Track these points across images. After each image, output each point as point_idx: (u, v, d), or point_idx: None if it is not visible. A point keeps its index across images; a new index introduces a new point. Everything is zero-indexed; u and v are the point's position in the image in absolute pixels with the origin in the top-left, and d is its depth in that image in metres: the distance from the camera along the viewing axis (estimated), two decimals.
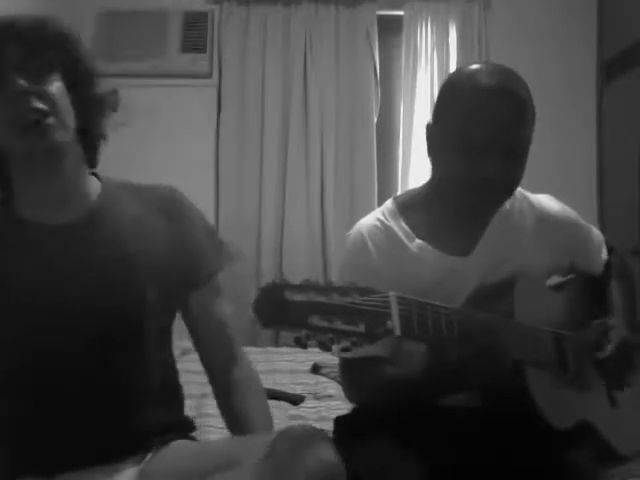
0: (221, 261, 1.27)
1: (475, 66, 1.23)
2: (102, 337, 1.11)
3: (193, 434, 1.28)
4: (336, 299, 0.82)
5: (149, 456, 1.14)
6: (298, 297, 0.80)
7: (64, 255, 1.12)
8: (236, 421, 1.23)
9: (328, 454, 0.96)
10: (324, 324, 0.81)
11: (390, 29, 4.05)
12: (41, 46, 1.08)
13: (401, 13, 3.98)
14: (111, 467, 1.11)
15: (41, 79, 1.07)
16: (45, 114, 1.05)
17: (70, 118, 1.11)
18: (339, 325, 0.82)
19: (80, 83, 1.13)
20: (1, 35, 1.07)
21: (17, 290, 1.10)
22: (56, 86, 1.09)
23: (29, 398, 1.11)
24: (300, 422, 1.96)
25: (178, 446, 1.17)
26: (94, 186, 1.20)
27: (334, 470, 0.96)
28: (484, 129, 1.16)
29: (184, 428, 1.26)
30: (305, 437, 0.98)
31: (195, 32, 3.90)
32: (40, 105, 1.05)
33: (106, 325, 1.11)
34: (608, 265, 1.43)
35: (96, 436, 1.10)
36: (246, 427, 1.20)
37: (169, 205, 1.23)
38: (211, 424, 1.82)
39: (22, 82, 1.05)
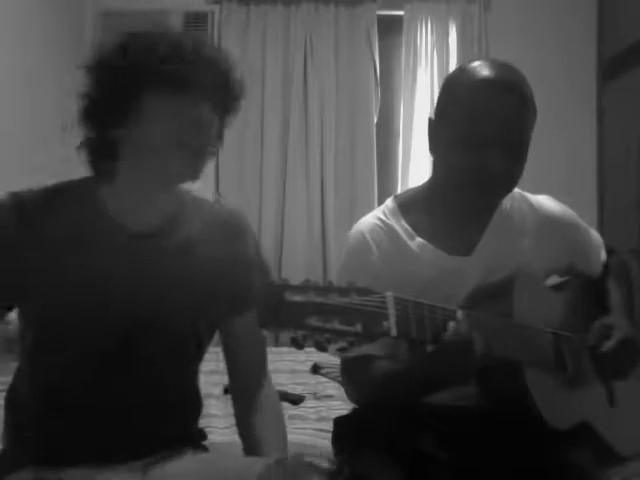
0: None
1: (477, 62, 1.23)
2: (137, 345, 1.14)
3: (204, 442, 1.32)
4: (334, 299, 0.83)
5: (157, 461, 1.16)
6: (297, 298, 0.80)
7: (135, 262, 1.15)
8: (252, 441, 1.25)
9: None
10: (322, 324, 0.81)
11: (390, 29, 4.06)
12: (236, 89, 1.17)
13: (401, 13, 3.98)
14: (119, 468, 1.14)
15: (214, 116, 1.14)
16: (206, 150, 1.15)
17: None
18: (336, 325, 0.82)
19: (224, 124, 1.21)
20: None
21: (86, 286, 1.12)
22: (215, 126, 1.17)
23: (57, 390, 1.14)
24: (299, 422, 1.97)
25: (186, 456, 1.20)
26: (174, 193, 1.24)
27: None
28: (487, 122, 1.17)
29: (196, 439, 1.29)
30: (296, 472, 1.02)
31: (195, 32, 3.91)
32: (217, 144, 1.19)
33: (146, 335, 1.14)
34: (607, 266, 1.43)
35: (107, 436, 1.13)
36: (259, 447, 1.22)
37: (232, 231, 1.26)
38: (213, 424, 1.82)
39: (207, 108, 1.11)
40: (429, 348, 1.04)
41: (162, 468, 1.15)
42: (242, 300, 1.23)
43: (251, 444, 1.24)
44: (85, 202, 1.17)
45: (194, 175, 1.17)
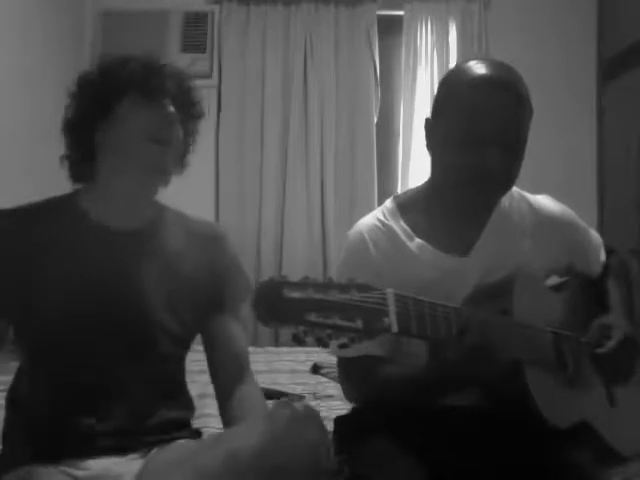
0: (244, 295, 1.41)
1: (473, 62, 1.25)
2: (128, 343, 1.23)
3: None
4: (334, 296, 0.83)
5: (154, 450, 1.20)
6: (296, 294, 0.81)
7: (116, 258, 1.25)
8: (230, 424, 1.28)
9: (315, 434, 1.08)
10: (322, 320, 0.81)
11: (390, 29, 4.06)
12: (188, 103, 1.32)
13: (401, 13, 3.98)
14: (117, 458, 1.17)
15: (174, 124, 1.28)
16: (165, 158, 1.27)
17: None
18: (337, 321, 0.82)
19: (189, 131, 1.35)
20: (159, 74, 1.27)
21: (68, 282, 1.21)
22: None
23: (51, 383, 1.20)
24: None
25: (179, 444, 1.23)
26: (154, 201, 1.36)
27: (319, 448, 1.08)
28: (484, 120, 1.17)
29: (191, 434, 1.32)
30: (297, 417, 1.09)
31: (195, 32, 3.91)
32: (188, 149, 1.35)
33: (133, 332, 1.23)
34: (607, 265, 1.43)
35: (103, 429, 1.18)
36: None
37: (210, 241, 1.37)
38: (210, 425, 1.81)
39: (171, 108, 1.26)
40: (449, 354, 1.04)
41: (161, 453, 1.18)
42: (219, 301, 1.34)
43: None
44: (68, 212, 1.28)
45: (163, 171, 1.27)
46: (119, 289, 1.23)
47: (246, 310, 1.38)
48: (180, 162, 1.34)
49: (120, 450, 1.17)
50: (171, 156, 1.28)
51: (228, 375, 1.34)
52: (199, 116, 1.35)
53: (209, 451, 1.08)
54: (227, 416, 1.32)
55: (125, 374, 1.21)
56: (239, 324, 1.39)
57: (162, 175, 1.28)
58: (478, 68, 1.21)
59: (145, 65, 1.28)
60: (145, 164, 1.25)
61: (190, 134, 1.34)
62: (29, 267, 1.21)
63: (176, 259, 1.31)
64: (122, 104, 1.25)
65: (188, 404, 1.36)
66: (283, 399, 1.24)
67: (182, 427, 1.29)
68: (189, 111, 1.32)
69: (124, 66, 1.27)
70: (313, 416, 1.11)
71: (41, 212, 1.27)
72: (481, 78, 1.20)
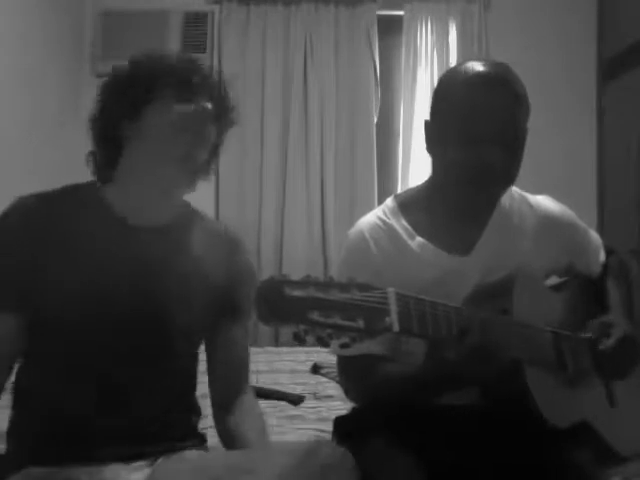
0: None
1: (469, 62, 1.26)
2: (140, 345, 1.19)
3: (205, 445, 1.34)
4: (335, 295, 0.83)
5: (161, 459, 1.19)
6: (297, 293, 0.81)
7: (135, 252, 1.22)
8: (232, 441, 1.29)
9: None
10: (323, 319, 0.81)
11: (390, 29, 4.06)
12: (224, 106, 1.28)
13: (401, 13, 3.98)
14: (123, 466, 1.16)
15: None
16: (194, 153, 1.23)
17: None
18: (338, 321, 0.82)
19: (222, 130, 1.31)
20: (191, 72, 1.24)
21: (92, 277, 1.18)
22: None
23: (58, 381, 1.17)
24: (299, 422, 1.96)
25: (189, 453, 1.22)
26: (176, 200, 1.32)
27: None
28: (480, 119, 1.18)
29: (198, 441, 1.31)
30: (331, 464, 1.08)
31: (195, 32, 3.91)
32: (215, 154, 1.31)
33: (147, 334, 1.20)
34: (607, 266, 1.43)
35: (111, 433, 1.16)
36: (241, 446, 1.25)
37: (228, 242, 1.36)
38: (210, 425, 1.81)
39: (202, 106, 1.22)
40: (448, 354, 1.04)
41: (169, 461, 1.17)
42: (231, 305, 1.31)
43: (230, 446, 1.28)
44: (92, 203, 1.24)
45: (194, 161, 1.23)
46: (136, 284, 1.20)
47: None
48: (206, 168, 1.30)
49: (126, 456, 1.16)
50: (201, 151, 1.24)
51: (227, 383, 1.34)
52: (231, 124, 1.30)
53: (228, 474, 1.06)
54: (225, 430, 1.31)
55: (135, 373, 1.18)
56: (246, 332, 1.37)
57: (192, 166, 1.23)
58: (474, 67, 1.22)
59: (187, 61, 1.26)
60: (174, 154, 1.20)
61: (219, 143, 1.30)
62: (48, 254, 1.17)
63: (194, 258, 1.28)
64: (157, 97, 1.21)
65: (196, 409, 1.35)
66: (313, 439, 1.20)
67: (189, 434, 1.28)
68: (224, 117, 1.27)
69: (162, 61, 1.25)
70: (343, 464, 1.09)
71: (65, 200, 1.24)
72: (477, 76, 1.21)
